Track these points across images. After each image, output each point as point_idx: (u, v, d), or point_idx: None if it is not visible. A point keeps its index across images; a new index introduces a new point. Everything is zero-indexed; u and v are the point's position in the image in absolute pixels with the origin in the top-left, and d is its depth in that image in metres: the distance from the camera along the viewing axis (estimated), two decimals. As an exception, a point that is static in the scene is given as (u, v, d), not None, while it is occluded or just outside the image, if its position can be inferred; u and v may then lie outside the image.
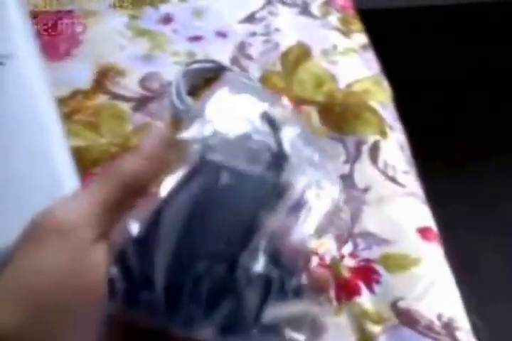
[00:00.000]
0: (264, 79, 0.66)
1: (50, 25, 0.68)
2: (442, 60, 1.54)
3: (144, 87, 0.65)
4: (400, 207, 0.55)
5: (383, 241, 0.53)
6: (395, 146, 0.58)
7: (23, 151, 0.49)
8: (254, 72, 0.67)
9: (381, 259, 0.52)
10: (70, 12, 0.69)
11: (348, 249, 0.53)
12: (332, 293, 0.50)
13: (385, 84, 0.64)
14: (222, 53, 0.67)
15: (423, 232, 0.53)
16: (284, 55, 0.68)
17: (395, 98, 0.63)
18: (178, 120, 0.62)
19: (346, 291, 0.51)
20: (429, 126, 1.36)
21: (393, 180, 0.56)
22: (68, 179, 0.49)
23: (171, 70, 0.66)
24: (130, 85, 0.65)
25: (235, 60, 0.67)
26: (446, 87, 1.51)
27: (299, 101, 0.64)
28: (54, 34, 0.67)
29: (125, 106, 0.63)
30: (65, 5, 0.69)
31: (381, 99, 0.63)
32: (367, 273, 0.52)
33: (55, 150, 0.50)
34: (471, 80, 1.54)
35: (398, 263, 0.52)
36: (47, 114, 0.52)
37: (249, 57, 0.68)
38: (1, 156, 0.48)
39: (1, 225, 0.44)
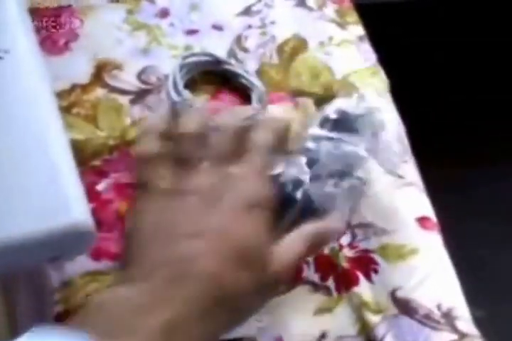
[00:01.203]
0: (261, 72, 0.64)
1: (49, 21, 0.66)
2: (442, 52, 1.52)
3: (142, 81, 0.63)
4: (398, 197, 0.54)
5: (382, 231, 0.52)
6: (393, 137, 0.56)
7: (22, 145, 0.47)
8: (251, 64, 0.65)
9: (380, 249, 0.51)
10: (68, 7, 0.67)
11: (346, 239, 0.52)
12: (331, 284, 0.49)
13: (382, 75, 0.63)
14: (218, 46, 0.66)
15: (422, 221, 0.52)
16: (281, 48, 0.66)
17: (393, 89, 0.62)
18: (175, 112, 0.61)
19: (345, 281, 0.50)
20: (427, 116, 1.35)
21: (391, 170, 0.54)
22: (67, 172, 0.47)
23: (168, 64, 0.64)
24: (128, 79, 0.63)
25: (231, 53, 0.66)
26: (446, 79, 1.49)
27: (295, 94, 0.63)
28: (53, 29, 0.66)
29: (123, 100, 0.62)
30: (64, 0, 0.68)
31: (378, 90, 0.61)
32: (365, 263, 0.50)
33: (54, 143, 0.49)
34: (469, 72, 1.52)
35: (397, 253, 0.50)
36: (46, 108, 0.50)
37: (245, 50, 0.66)
38: (-1, 150, 0.47)
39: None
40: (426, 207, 0.53)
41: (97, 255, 0.53)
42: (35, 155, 0.46)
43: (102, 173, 0.58)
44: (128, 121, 0.61)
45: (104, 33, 0.66)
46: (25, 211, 0.43)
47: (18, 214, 0.43)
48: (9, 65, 0.50)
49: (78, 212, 0.44)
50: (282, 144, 0.41)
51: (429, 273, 0.49)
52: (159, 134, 0.35)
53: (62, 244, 0.45)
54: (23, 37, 0.53)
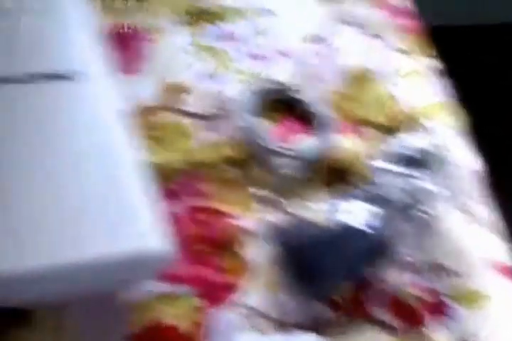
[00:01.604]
0: (327, 100, 0.64)
1: (118, 41, 0.66)
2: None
3: (209, 105, 0.63)
4: (469, 236, 0.53)
5: (453, 273, 0.51)
6: (464, 174, 0.56)
7: (94, 168, 0.47)
8: (317, 92, 0.65)
9: (451, 292, 0.50)
10: (137, 28, 0.68)
11: (416, 279, 0.51)
12: (400, 324, 0.48)
13: (455, 108, 0.62)
14: (284, 73, 0.66)
15: (497, 266, 0.51)
16: (347, 76, 0.66)
17: (470, 123, 0.61)
18: (242, 138, 0.61)
19: (413, 321, 0.49)
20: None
21: (465, 209, 0.54)
22: (142, 197, 0.46)
23: (234, 88, 0.64)
24: (195, 102, 0.63)
25: (296, 80, 0.65)
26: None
27: (361, 123, 0.62)
28: (123, 50, 0.66)
29: (190, 123, 0.62)
30: (133, 21, 0.68)
31: (449, 124, 0.60)
32: (435, 305, 0.49)
33: (127, 167, 0.48)
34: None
35: (469, 298, 0.49)
36: (118, 130, 0.50)
37: (311, 78, 0.66)
38: (69, 176, 0.46)
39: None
40: (502, 251, 0.52)
41: (169, 278, 0.53)
42: (108, 180, 0.46)
43: (171, 196, 0.58)
44: (195, 144, 0.61)
45: (172, 56, 0.66)
46: (99, 235, 0.43)
47: (91, 238, 0.43)
48: (82, 87, 0.50)
49: (153, 237, 0.44)
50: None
51: (505, 322, 0.48)
52: None
53: (137, 268, 0.44)
54: (96, 59, 0.53)
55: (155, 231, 0.45)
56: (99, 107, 0.51)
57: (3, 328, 0.46)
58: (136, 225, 0.45)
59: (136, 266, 0.45)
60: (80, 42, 0.54)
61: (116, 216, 0.44)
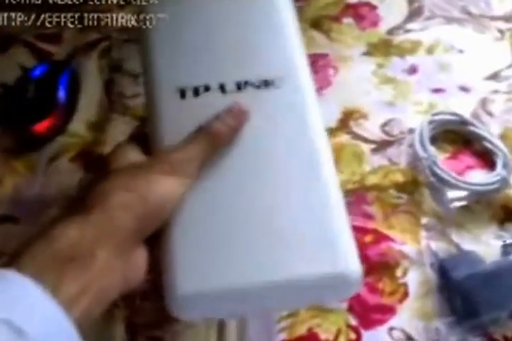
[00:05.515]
0: (504, 136, 0.60)
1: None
2: None
3: (385, 131, 0.62)
4: None
5: None
6: None
7: (294, 189, 0.40)
8: (495, 128, 0.61)
9: None
10: (325, 55, 0.68)
11: None
12: None
13: None
14: (463, 107, 0.63)
15: None
16: (528, 116, 0.61)
17: None
18: (415, 167, 0.58)
19: None
20: None
21: None
22: (340, 217, 0.41)
23: (411, 118, 0.62)
24: (371, 128, 0.62)
25: (475, 115, 0.62)
26: None
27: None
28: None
29: (365, 147, 0.61)
30: (322, 48, 0.69)
31: None
32: None
33: (328, 189, 0.41)
34: None
35: None
36: (320, 147, 0.43)
37: (490, 114, 0.62)
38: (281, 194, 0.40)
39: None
40: None
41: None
42: (310, 202, 0.40)
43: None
44: (367, 168, 0.59)
45: (354, 83, 0.66)
46: (297, 256, 0.38)
47: (290, 259, 0.38)
48: (284, 95, 0.44)
49: (348, 261, 0.39)
50: None
51: None
52: None
53: (328, 291, 0.39)
54: (300, 66, 0.46)
55: (351, 256, 0.39)
56: (301, 117, 0.44)
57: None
58: (333, 248, 0.39)
59: (330, 288, 0.39)
60: (288, 47, 0.47)
61: (315, 238, 0.39)
